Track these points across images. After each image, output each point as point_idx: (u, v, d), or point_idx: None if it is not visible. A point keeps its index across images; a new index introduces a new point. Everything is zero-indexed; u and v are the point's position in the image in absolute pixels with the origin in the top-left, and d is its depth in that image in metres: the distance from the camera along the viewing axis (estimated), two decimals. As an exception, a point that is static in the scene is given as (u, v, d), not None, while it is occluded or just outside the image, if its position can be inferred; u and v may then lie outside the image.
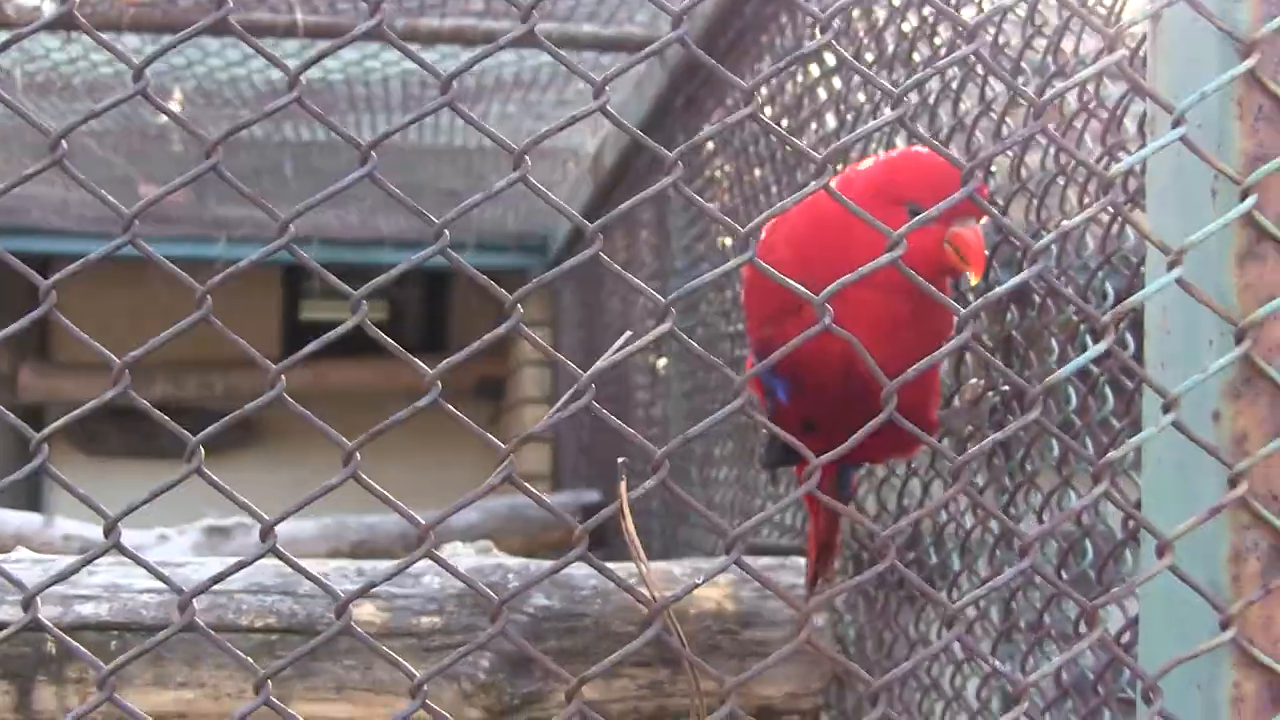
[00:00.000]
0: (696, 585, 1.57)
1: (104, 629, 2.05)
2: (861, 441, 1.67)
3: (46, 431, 0.92)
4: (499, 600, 0.99)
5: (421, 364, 0.95)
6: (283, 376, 0.97)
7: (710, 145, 3.20)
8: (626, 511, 0.98)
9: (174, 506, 0.89)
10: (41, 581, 1.04)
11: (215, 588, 2.06)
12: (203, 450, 0.93)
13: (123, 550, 0.98)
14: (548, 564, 2.22)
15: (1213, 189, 1.10)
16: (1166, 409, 1.06)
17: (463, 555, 2.26)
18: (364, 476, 0.93)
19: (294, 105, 1.02)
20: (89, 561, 1.06)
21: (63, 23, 3.48)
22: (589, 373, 0.95)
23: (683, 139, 3.50)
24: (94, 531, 4.31)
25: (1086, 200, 1.49)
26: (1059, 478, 1.55)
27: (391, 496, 0.97)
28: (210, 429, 0.94)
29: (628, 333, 1.35)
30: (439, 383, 0.96)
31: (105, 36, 1.02)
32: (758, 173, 2.79)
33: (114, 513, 0.94)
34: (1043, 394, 1.04)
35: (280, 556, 0.95)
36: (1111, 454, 1.07)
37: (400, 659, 1.00)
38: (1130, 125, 1.42)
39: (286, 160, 5.16)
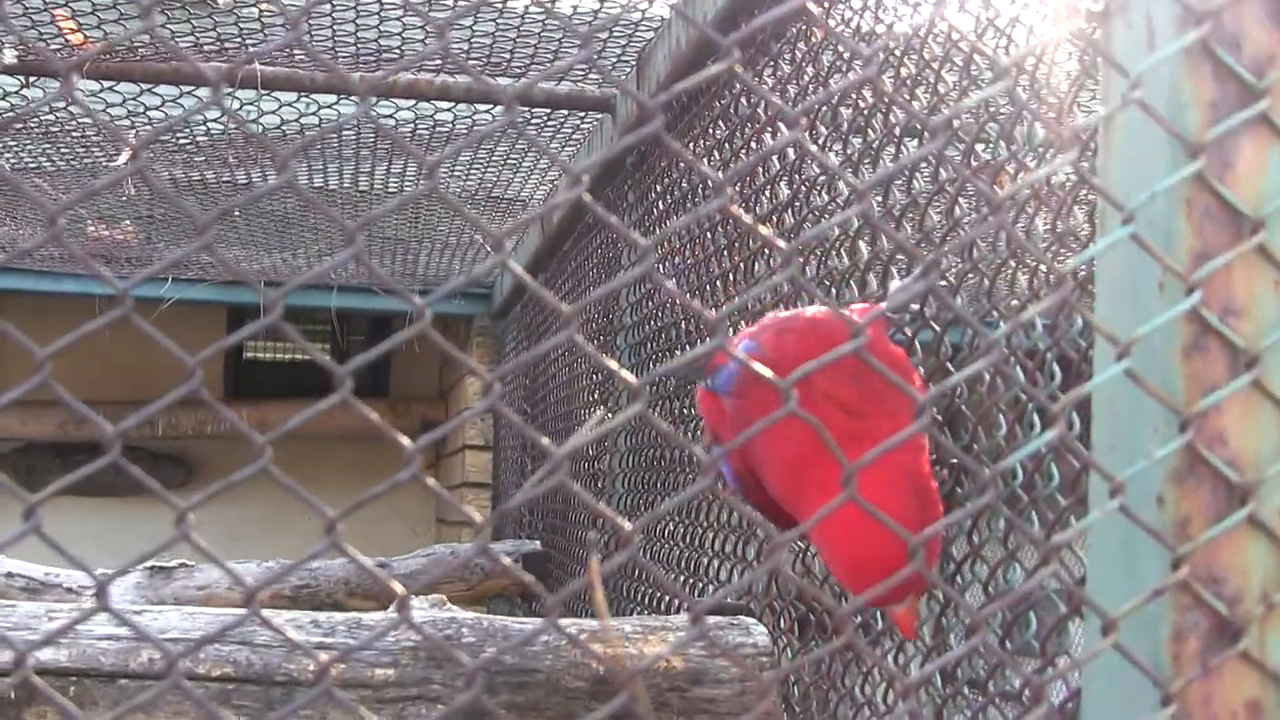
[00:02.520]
0: (661, 656, 1.61)
1: (62, 674, 2.08)
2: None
3: (44, 494, 0.94)
4: (474, 665, 1.02)
5: (404, 439, 0.98)
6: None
7: (661, 206, 3.25)
8: (597, 584, 1.02)
9: (113, 546, 0.91)
10: (37, 639, 1.07)
11: (173, 636, 2.11)
12: (192, 517, 0.95)
13: (113, 613, 1.00)
14: (500, 619, 2.27)
15: (1160, 283, 1.15)
16: (1114, 493, 1.11)
17: (416, 609, 2.29)
18: (348, 547, 0.96)
19: (251, 150, 1.05)
20: (81, 620, 1.08)
21: (21, 68, 3.52)
22: (564, 449, 0.99)
23: (633, 197, 3.55)
24: (37, 570, 4.31)
25: (1036, 283, 1.54)
26: (1005, 551, 1.60)
27: (393, 582, 1.00)
28: (196, 498, 0.96)
29: (600, 410, 1.40)
30: (412, 458, 0.99)
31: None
32: (709, 239, 2.83)
33: (77, 554, 0.97)
34: (995, 477, 1.09)
35: (266, 623, 0.98)
36: (1059, 537, 1.12)
37: (372, 716, 1.03)
38: (1079, 212, 1.47)
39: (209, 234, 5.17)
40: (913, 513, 1.49)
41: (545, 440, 1.03)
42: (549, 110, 3.78)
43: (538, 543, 5.04)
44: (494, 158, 4.44)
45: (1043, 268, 1.48)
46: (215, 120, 3.95)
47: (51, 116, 4.06)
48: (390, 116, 3.90)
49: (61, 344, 0.95)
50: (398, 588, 1.02)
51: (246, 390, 7.60)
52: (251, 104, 3.75)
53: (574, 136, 4.06)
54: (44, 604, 2.42)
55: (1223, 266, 1.13)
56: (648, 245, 1.03)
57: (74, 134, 4.25)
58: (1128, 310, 1.18)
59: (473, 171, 4.57)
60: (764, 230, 1.12)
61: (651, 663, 1.53)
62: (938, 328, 1.75)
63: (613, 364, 1.05)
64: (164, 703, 2.08)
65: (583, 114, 3.84)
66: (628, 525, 1.02)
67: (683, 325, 2.96)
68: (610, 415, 1.62)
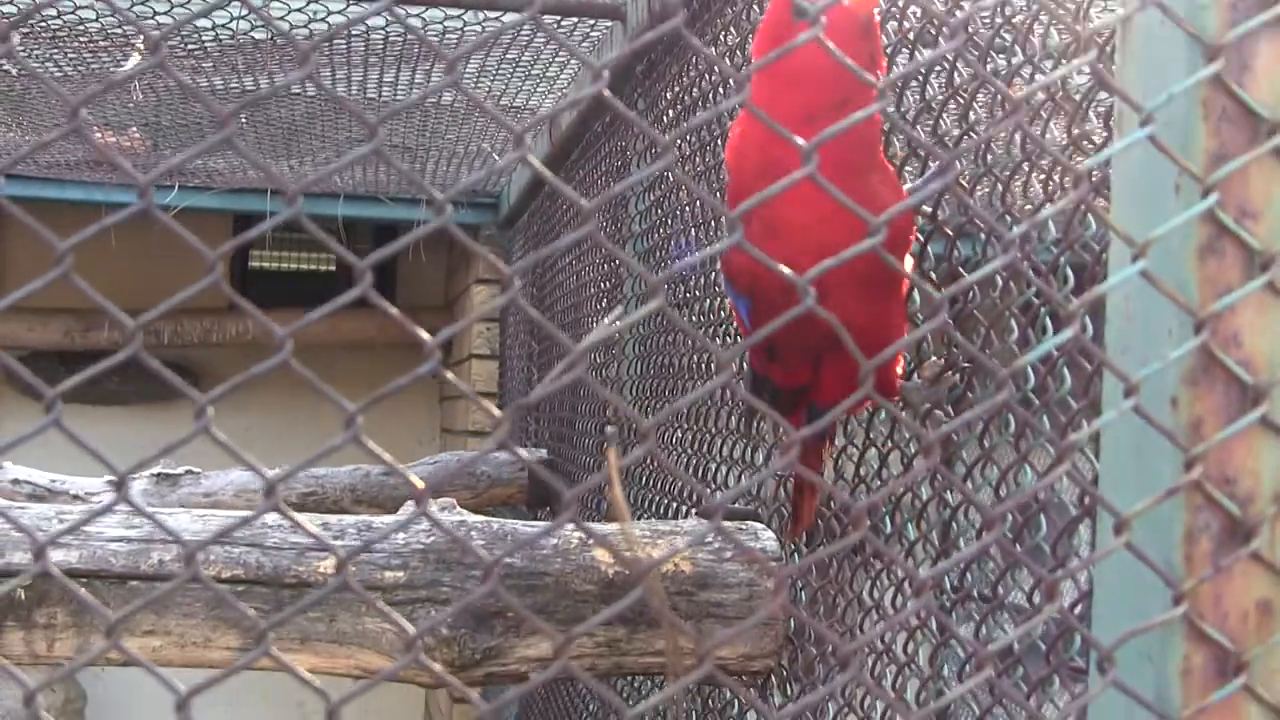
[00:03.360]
0: (678, 551, 1.62)
1: (73, 575, 2.09)
2: (828, 386, 1.74)
3: (59, 389, 0.94)
4: (491, 561, 1.03)
5: (423, 332, 0.98)
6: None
7: (671, 115, 3.23)
8: (615, 479, 1.02)
9: (120, 455, 0.90)
10: (55, 531, 1.07)
11: (185, 539, 2.12)
12: (211, 410, 0.95)
13: (131, 504, 1.01)
14: (510, 522, 2.28)
15: (1176, 185, 1.15)
16: (1128, 394, 1.11)
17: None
18: (369, 441, 0.96)
19: (260, 56, 1.04)
20: (100, 514, 1.09)
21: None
22: (581, 345, 1.00)
23: (643, 105, 3.53)
24: (43, 477, 4.33)
25: (1050, 187, 1.54)
26: (1016, 454, 1.60)
27: (395, 462, 1.00)
28: (217, 390, 0.96)
29: (618, 309, 1.40)
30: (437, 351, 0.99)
31: None
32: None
33: (48, 460, 0.97)
34: (1010, 376, 1.09)
35: (285, 514, 0.99)
36: (1074, 436, 1.12)
37: (393, 612, 1.04)
38: (1094, 117, 1.47)
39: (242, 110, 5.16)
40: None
41: (563, 335, 1.03)
42: (559, 18, 3.76)
43: (544, 451, 5.05)
44: (500, 68, 4.42)
45: (1057, 173, 1.48)
46: (224, 25, 3.93)
47: (59, 20, 4.04)
48: (399, 23, 3.88)
49: (82, 236, 0.95)
50: (416, 481, 1.02)
51: (252, 298, 7.54)
52: (258, 8, 3.73)
53: (583, 45, 4.04)
54: (54, 506, 2.43)
55: (1239, 169, 1.13)
56: (666, 142, 1.03)
57: (81, 38, 4.23)
58: (1143, 212, 1.18)
59: (480, 81, 4.55)
60: (780, 128, 1.11)
61: (670, 556, 1.54)
62: (951, 233, 1.75)
63: (630, 259, 1.05)
64: (174, 604, 2.10)
65: (592, 21, 3.82)
66: (645, 421, 1.02)
67: (693, 233, 2.95)
68: (624, 315, 1.63)
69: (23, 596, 2.08)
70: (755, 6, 2.66)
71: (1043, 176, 1.56)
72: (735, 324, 2.17)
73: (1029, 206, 1.56)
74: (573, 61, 4.23)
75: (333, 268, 8.40)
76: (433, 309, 7.70)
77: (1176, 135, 1.14)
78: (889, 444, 2.01)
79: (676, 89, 3.23)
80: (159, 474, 4.52)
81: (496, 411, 0.98)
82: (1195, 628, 1.13)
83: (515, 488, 4.72)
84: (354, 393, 0.97)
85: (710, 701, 2.72)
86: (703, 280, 2.87)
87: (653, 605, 1.94)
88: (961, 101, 1.75)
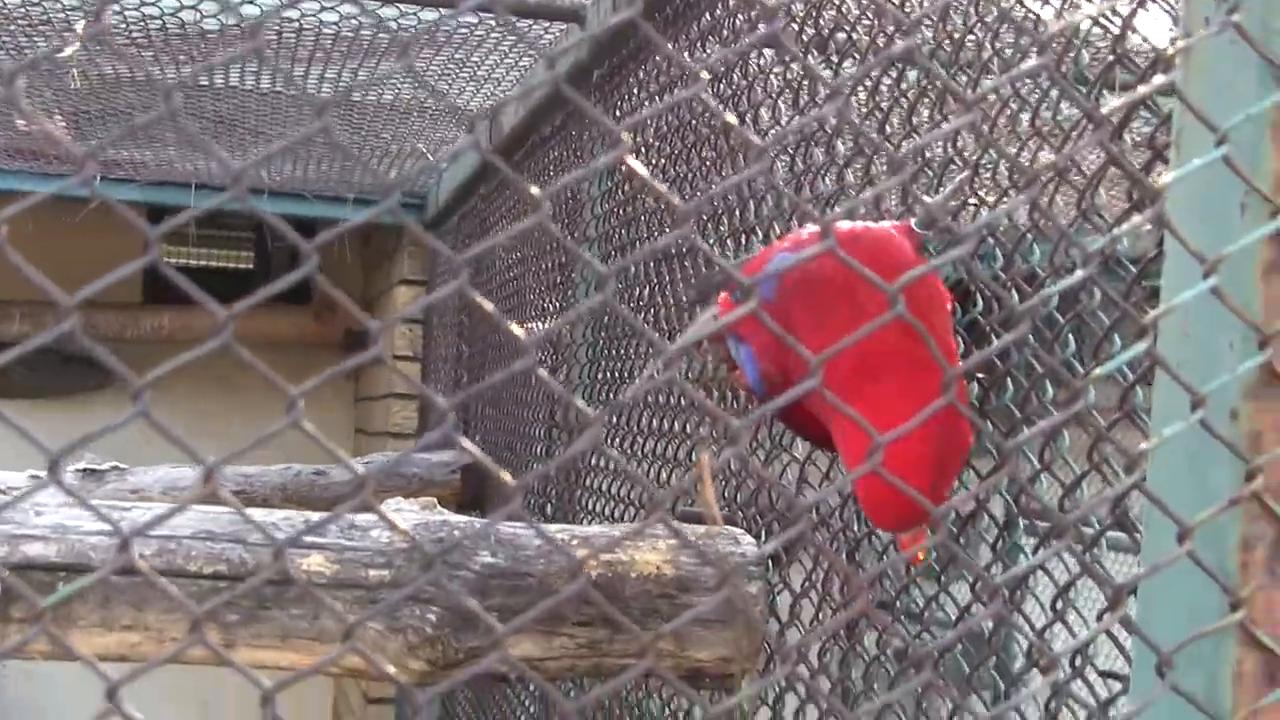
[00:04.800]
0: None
1: (51, 570, 2.07)
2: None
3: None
4: (434, 553, 1.02)
5: (369, 319, 0.97)
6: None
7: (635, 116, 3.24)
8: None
9: (26, 450, 0.88)
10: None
11: (165, 533, 2.11)
12: (148, 394, 0.92)
13: (63, 487, 0.97)
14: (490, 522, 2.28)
15: (1242, 204, 1.18)
16: (1195, 406, 1.14)
17: (407, 511, 2.30)
18: (307, 425, 0.94)
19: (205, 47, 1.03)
20: (25, 496, 1.07)
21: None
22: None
23: (601, 110, 3.54)
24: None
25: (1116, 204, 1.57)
26: (1076, 471, 1.60)
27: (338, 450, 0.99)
28: (155, 372, 0.92)
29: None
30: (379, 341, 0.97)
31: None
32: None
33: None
34: (1084, 387, 1.12)
35: (224, 500, 0.97)
36: (1144, 445, 1.15)
37: (338, 605, 1.02)
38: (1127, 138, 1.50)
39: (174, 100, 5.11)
40: (939, 441, 1.53)
41: (518, 329, 1.02)
42: (515, 19, 3.75)
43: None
44: (448, 67, 4.41)
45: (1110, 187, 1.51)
46: (172, 14, 3.90)
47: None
48: (335, 22, 3.88)
49: (13, 211, 0.91)
50: (358, 469, 0.99)
51: (168, 294, 7.49)
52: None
53: (539, 44, 4.03)
54: (30, 500, 2.40)
55: (1310, 191, 1.16)
56: (619, 130, 1.00)
57: (19, 20, 4.18)
58: (1205, 229, 1.20)
59: (407, 81, 4.54)
60: (733, 120, 1.12)
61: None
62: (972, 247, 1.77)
63: (585, 254, 1.05)
64: (154, 599, 2.08)
65: (548, 24, 3.83)
66: (591, 412, 1.01)
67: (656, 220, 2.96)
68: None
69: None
70: (722, 17, 2.68)
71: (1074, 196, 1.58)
72: (730, 371, 2.17)
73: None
74: (521, 64, 4.23)
75: (250, 266, 8.33)
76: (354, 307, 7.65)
77: (1244, 155, 1.17)
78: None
79: (636, 98, 3.24)
80: (85, 469, 4.47)
81: (291, 389, 0.94)
82: (1248, 633, 1.16)
83: (448, 489, 4.71)
84: (271, 390, 0.94)
85: (671, 704, 2.73)
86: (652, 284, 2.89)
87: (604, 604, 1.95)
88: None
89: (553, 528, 2.32)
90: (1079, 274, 1.11)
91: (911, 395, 1.56)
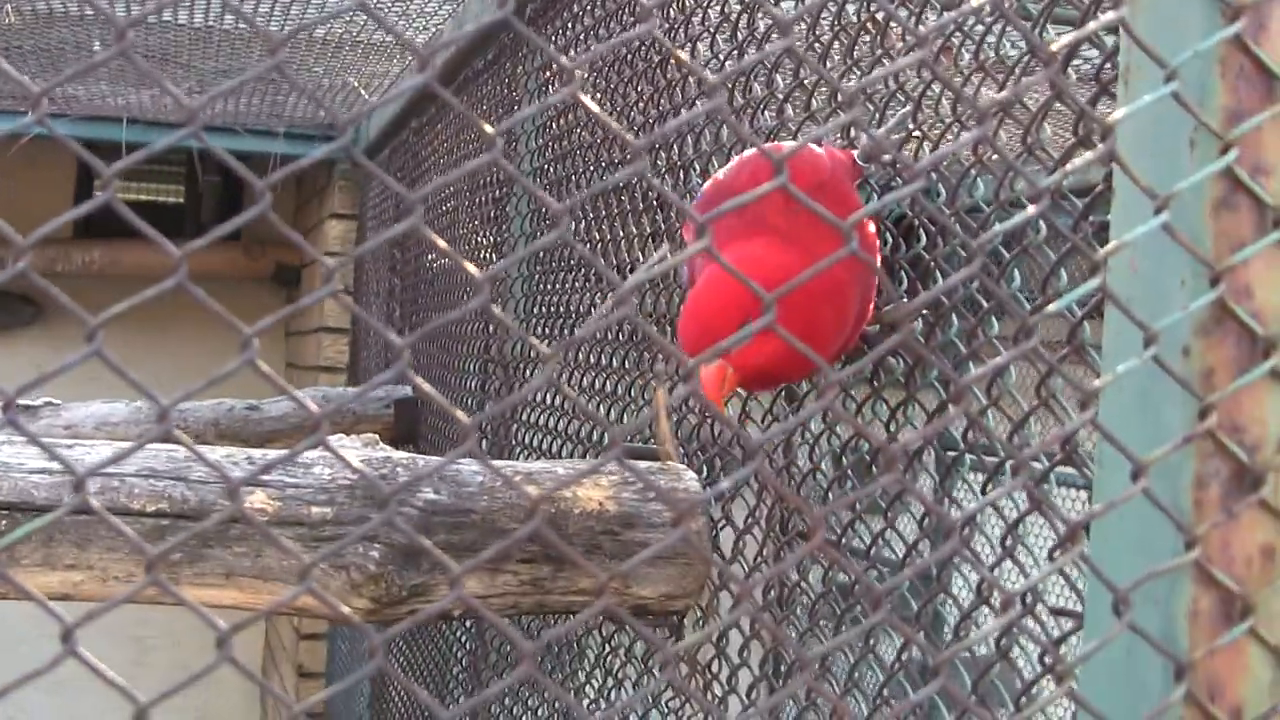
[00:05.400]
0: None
1: (-6, 508, 2.05)
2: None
3: None
4: (388, 491, 1.02)
5: (325, 257, 0.96)
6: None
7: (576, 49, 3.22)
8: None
9: None
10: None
11: (107, 471, 2.09)
12: (101, 334, 0.91)
13: (18, 426, 0.96)
14: (434, 459, 2.27)
15: (1191, 140, 1.18)
16: (1148, 343, 1.14)
17: (349, 447, 2.28)
18: (261, 365, 0.93)
19: None
20: None
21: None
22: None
23: (531, 46, 3.51)
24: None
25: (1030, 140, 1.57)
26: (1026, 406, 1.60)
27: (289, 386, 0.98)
28: (114, 309, 0.91)
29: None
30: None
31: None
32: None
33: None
34: (1036, 323, 1.12)
35: (179, 441, 0.96)
36: (1097, 382, 1.15)
37: (289, 545, 1.02)
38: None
39: (95, 37, 5.08)
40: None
41: (472, 267, 1.01)
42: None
43: (408, 389, 5.02)
44: (378, 3, 4.37)
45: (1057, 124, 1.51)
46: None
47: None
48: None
49: (42, 233, 0.90)
50: (311, 406, 0.99)
51: (98, 229, 7.42)
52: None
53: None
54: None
55: (1255, 126, 1.16)
56: (571, 66, 0.99)
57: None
58: (1154, 165, 1.20)
59: (357, 16, 4.50)
60: (683, 56, 1.11)
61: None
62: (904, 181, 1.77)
63: (531, 185, 1.04)
64: (97, 538, 2.07)
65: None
66: (545, 350, 1.01)
67: (593, 154, 2.95)
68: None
69: (-62, 530, 2.04)
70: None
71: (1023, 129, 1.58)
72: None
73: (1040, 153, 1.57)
74: (448, 3, 4.19)
75: (181, 200, 8.24)
76: (280, 244, 7.60)
77: (1193, 91, 1.17)
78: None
79: (572, 29, 3.22)
80: (19, 405, 4.41)
81: (244, 328, 0.94)
82: (1204, 571, 1.16)
83: (380, 424, 4.69)
84: (207, 326, 0.93)
85: (611, 641, 2.74)
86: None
87: (553, 541, 1.95)
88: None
89: (498, 464, 2.31)
90: (1031, 209, 1.11)
91: (788, 249, 1.64)
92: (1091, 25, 1.18)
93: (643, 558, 2.05)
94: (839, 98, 1.49)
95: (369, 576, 2.10)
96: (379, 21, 1.04)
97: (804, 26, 2.15)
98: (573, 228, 2.96)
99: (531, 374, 3.29)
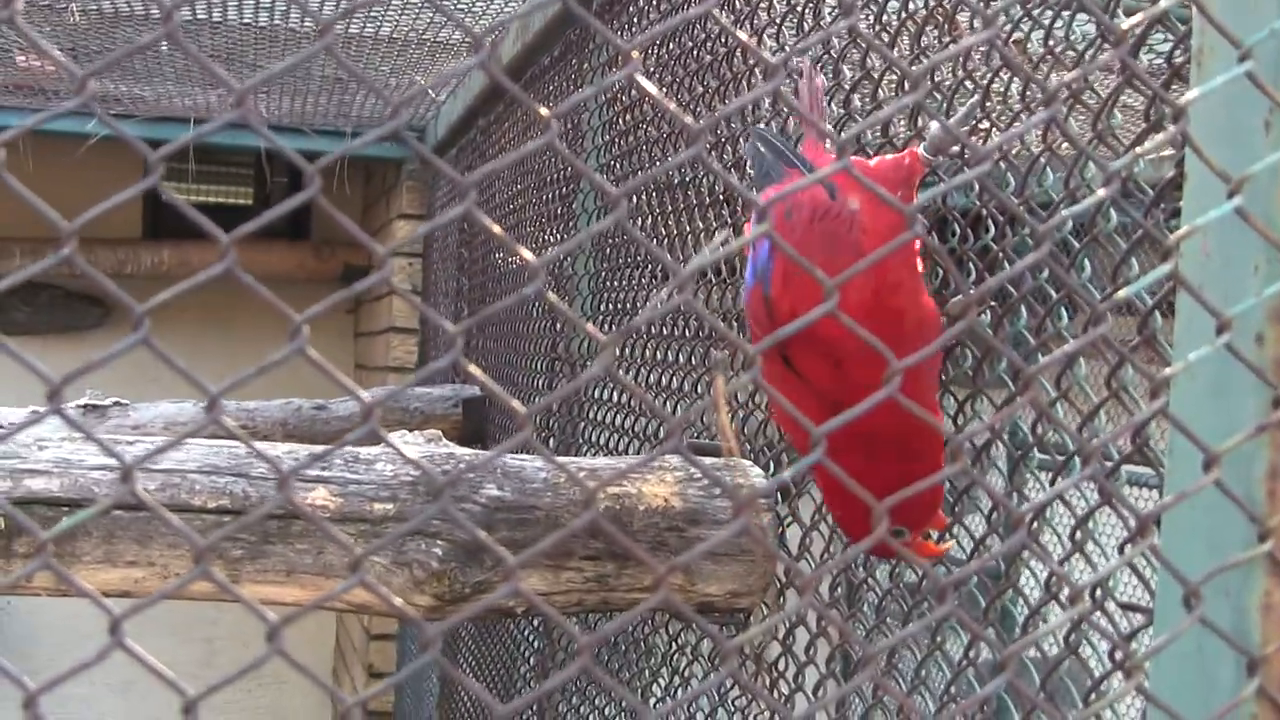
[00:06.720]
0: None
1: (54, 504, 2.05)
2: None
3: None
4: (443, 482, 1.00)
5: (378, 245, 0.94)
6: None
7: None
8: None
9: (31, 384, 0.85)
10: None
11: (168, 467, 2.09)
12: (148, 326, 0.89)
13: (65, 418, 0.94)
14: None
15: (1266, 121, 1.15)
16: (1220, 330, 1.11)
17: (412, 444, 2.27)
18: (310, 351, 0.91)
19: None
20: (30, 425, 1.04)
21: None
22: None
23: (600, 39, 3.49)
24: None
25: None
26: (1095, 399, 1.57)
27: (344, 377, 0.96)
28: (159, 296, 0.89)
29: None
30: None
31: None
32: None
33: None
34: (1109, 310, 1.09)
35: (224, 428, 0.94)
36: (1166, 370, 1.12)
37: (345, 539, 1.00)
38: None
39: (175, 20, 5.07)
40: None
41: (527, 252, 0.99)
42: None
43: (476, 389, 5.01)
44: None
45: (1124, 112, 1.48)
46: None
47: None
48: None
49: (11, 134, 0.89)
50: (364, 397, 0.97)
51: (166, 230, 7.46)
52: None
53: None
54: (30, 434, 2.38)
55: (1332, 108, 1.13)
56: (628, 48, 0.97)
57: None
58: (1227, 148, 1.17)
59: (422, 14, 4.50)
60: (742, 36, 1.09)
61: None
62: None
63: (592, 173, 1.02)
64: (158, 535, 2.06)
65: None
66: (603, 336, 0.98)
67: (659, 150, 2.93)
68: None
69: (2, 526, 2.04)
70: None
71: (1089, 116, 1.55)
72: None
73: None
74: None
75: (250, 202, 8.28)
76: (349, 244, 7.61)
77: (1269, 72, 1.14)
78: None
79: (638, 24, 3.20)
80: (87, 405, 4.44)
81: (294, 315, 0.91)
82: (1278, 564, 1.13)
83: (448, 423, 4.68)
84: (270, 326, 0.91)
85: (678, 640, 2.72)
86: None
87: (618, 539, 1.93)
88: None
89: (559, 460, 2.29)
90: (1100, 193, 1.08)
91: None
92: (1164, 2, 1.15)
93: (703, 549, 2.02)
94: (905, 85, 1.46)
95: (431, 574, 2.09)
96: (439, 8, 1.02)
97: (871, 14, 2.12)
98: (635, 222, 2.94)
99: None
